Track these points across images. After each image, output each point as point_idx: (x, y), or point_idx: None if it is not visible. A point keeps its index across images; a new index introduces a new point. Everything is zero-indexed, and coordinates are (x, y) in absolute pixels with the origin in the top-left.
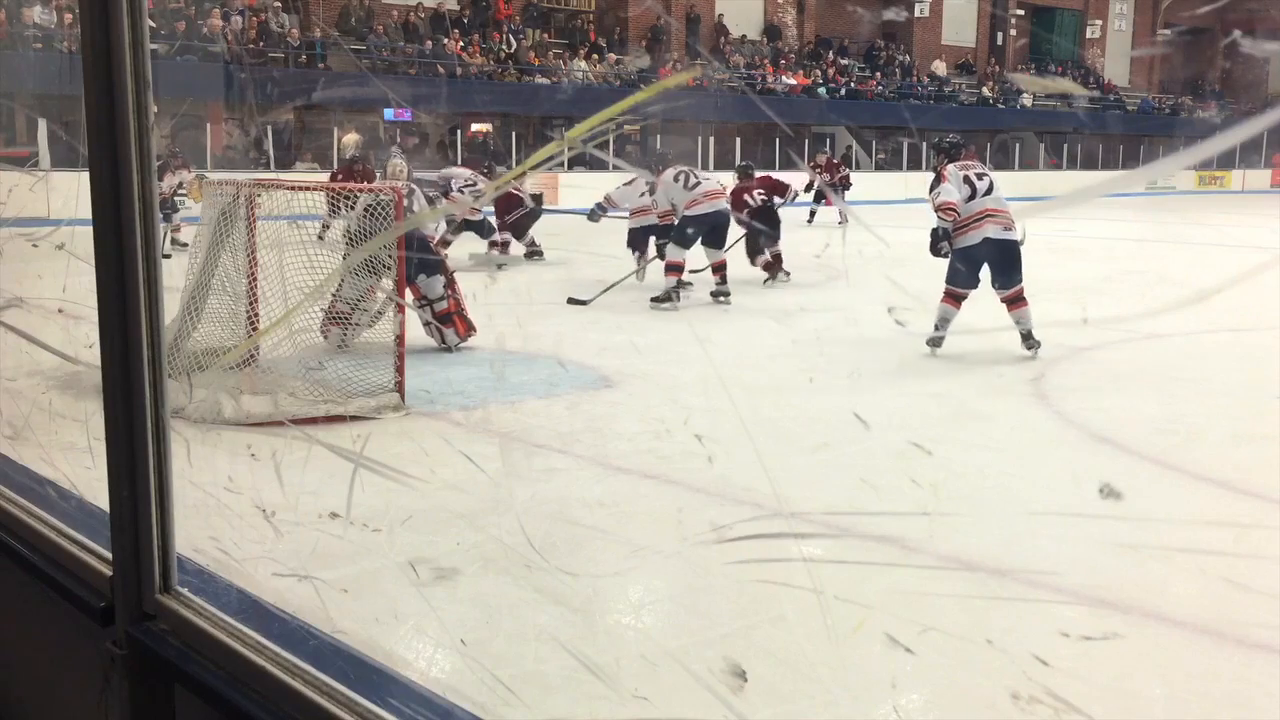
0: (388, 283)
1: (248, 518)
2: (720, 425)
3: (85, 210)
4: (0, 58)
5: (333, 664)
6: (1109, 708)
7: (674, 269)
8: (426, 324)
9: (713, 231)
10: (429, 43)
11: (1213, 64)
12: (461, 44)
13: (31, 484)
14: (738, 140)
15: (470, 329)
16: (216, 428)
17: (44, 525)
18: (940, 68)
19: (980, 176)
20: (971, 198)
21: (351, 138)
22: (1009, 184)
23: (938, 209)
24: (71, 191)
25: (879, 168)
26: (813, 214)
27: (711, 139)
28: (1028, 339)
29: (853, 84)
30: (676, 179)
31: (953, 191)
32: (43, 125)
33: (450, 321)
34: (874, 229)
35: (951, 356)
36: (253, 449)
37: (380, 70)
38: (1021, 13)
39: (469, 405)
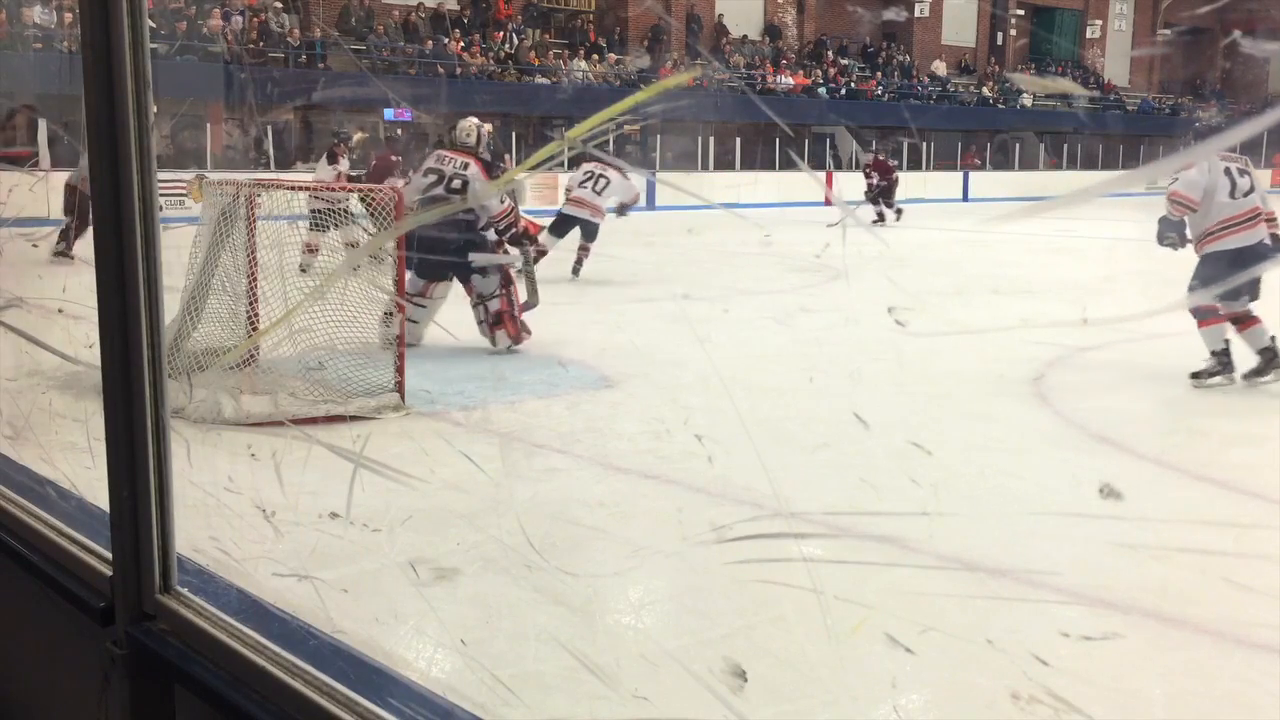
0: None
1: (248, 518)
2: (720, 425)
3: None
4: (0, 58)
5: (333, 664)
6: (1109, 708)
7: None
8: (480, 323)
9: (585, 232)
10: (429, 43)
11: (1213, 64)
12: (461, 44)
13: (31, 484)
14: (738, 140)
15: (523, 331)
16: (216, 428)
17: (44, 525)
18: (940, 68)
19: (1242, 172)
20: (1232, 193)
21: (361, 136)
22: (1009, 184)
23: (1169, 198)
24: None
25: None
26: (881, 216)
27: (711, 139)
28: (1273, 359)
29: (853, 84)
30: (584, 173)
31: (1195, 185)
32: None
33: (501, 322)
34: (874, 229)
35: (951, 356)
36: (253, 449)
37: (380, 70)
38: (1021, 13)
39: (469, 405)
